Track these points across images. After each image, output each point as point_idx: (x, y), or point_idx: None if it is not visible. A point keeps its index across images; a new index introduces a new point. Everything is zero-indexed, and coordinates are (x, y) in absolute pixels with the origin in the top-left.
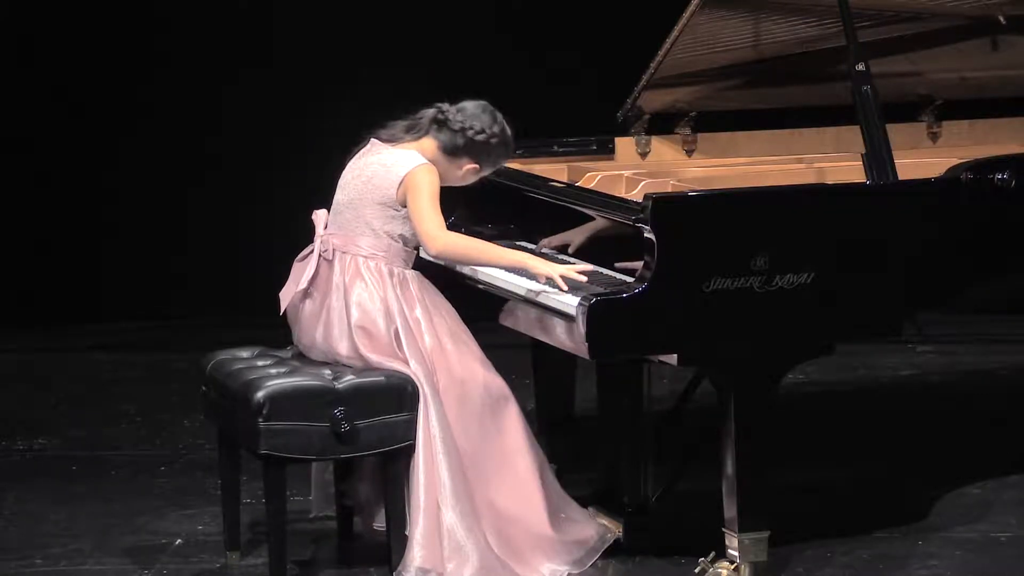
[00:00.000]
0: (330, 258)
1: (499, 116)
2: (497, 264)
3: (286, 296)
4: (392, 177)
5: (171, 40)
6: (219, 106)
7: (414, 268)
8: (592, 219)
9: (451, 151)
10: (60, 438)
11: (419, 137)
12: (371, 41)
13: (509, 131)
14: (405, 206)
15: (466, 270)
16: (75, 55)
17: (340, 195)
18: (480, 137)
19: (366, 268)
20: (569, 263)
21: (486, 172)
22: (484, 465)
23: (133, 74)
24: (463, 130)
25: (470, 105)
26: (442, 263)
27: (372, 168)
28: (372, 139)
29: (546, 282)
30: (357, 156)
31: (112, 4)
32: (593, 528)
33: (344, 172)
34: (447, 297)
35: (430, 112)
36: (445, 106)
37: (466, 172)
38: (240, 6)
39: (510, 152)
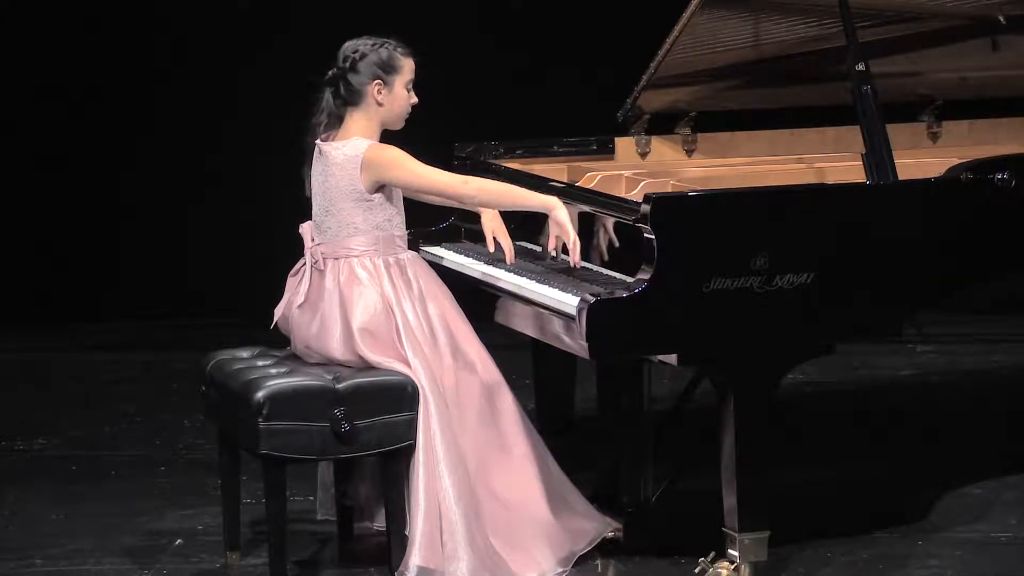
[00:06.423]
0: (322, 268)
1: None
2: (526, 205)
3: (280, 311)
4: (350, 168)
5: (175, 46)
6: (219, 107)
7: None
8: (592, 219)
9: (357, 99)
10: (60, 438)
11: (340, 119)
12: None
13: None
14: (378, 191)
15: (467, 272)
16: (78, 58)
17: (315, 207)
18: (354, 57)
19: (361, 267)
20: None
21: (394, 79)
22: (483, 452)
23: (135, 79)
24: (342, 74)
25: (339, 57)
26: (475, 205)
27: (329, 170)
28: (316, 143)
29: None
30: (313, 164)
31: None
32: (594, 519)
33: (311, 184)
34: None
35: (326, 95)
36: (327, 82)
37: (377, 96)
38: (240, 7)
39: (388, 45)
